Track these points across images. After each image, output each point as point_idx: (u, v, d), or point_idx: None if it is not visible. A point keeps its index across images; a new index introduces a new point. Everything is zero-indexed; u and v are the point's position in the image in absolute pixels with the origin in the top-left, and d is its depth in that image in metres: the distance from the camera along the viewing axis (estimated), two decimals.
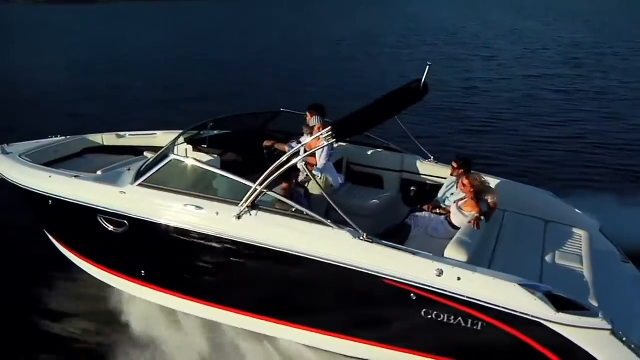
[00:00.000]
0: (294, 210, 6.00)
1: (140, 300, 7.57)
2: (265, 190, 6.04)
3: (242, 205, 6.09)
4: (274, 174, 5.99)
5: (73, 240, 7.99)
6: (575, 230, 6.85)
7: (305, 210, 5.93)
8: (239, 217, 6.11)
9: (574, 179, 12.58)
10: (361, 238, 5.66)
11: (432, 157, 8.29)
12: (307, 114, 8.04)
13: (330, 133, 5.67)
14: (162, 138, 9.22)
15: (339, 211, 5.74)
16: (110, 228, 6.98)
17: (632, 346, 5.01)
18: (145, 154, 8.58)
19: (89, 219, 7.08)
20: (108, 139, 9.57)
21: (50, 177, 7.48)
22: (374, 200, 7.93)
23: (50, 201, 7.44)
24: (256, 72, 28.93)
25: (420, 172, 8.25)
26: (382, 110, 6.24)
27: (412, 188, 8.17)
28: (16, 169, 8.00)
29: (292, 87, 23.92)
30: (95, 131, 9.99)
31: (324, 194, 5.98)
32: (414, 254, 5.53)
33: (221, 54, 36.05)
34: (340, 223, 5.81)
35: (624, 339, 5.00)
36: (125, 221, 6.83)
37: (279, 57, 33.60)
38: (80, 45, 42.47)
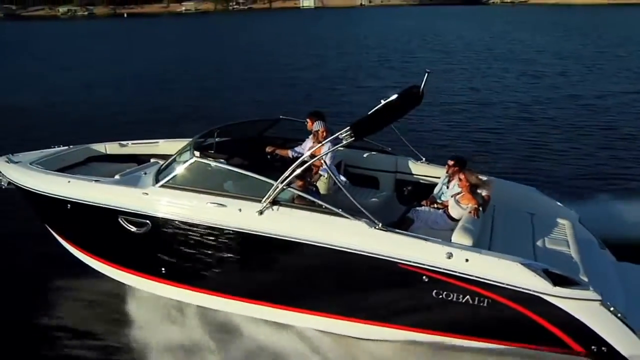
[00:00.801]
0: (313, 204, 6.52)
1: (153, 297, 7.88)
2: (286, 187, 6.56)
3: (264, 202, 6.58)
4: (293, 172, 6.51)
5: (90, 243, 8.23)
6: (559, 220, 7.58)
7: (323, 204, 6.46)
8: (261, 212, 6.60)
9: None
10: (377, 227, 6.25)
11: (424, 159, 8.92)
12: (308, 120, 8.60)
13: (349, 132, 6.24)
14: (164, 146, 9.56)
15: (356, 203, 6.32)
16: (133, 229, 7.32)
17: (619, 315, 5.75)
18: (153, 160, 8.94)
19: (110, 220, 7.41)
20: (111, 147, 9.84)
21: (69, 182, 7.78)
22: (373, 199, 8.48)
23: (68, 205, 7.73)
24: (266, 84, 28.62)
25: (413, 173, 8.85)
26: (391, 113, 6.83)
27: (406, 187, 8.76)
28: (31, 175, 8.25)
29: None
30: (97, 141, 10.26)
31: (344, 189, 6.52)
32: (425, 240, 6.15)
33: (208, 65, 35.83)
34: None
35: (612, 308, 5.74)
36: (148, 221, 7.20)
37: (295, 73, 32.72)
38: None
